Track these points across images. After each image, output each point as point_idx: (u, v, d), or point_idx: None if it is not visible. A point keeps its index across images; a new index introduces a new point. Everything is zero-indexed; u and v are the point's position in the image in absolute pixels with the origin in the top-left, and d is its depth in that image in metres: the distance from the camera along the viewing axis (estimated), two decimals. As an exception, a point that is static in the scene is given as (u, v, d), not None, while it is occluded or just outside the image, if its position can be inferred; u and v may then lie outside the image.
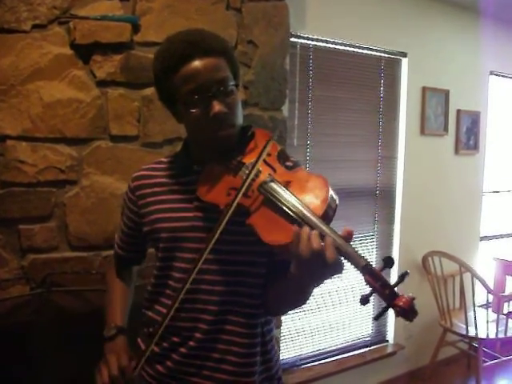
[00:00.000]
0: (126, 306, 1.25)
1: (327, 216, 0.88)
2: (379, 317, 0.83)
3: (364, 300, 0.82)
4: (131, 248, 1.27)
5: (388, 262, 0.81)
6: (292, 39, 2.51)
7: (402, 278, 0.81)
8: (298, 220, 0.87)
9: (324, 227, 0.84)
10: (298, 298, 1.03)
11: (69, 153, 1.83)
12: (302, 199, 0.90)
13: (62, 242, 1.85)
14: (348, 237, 0.84)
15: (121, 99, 1.90)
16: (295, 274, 0.87)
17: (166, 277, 1.10)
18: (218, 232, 0.95)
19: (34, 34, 1.74)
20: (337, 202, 0.92)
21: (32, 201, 1.78)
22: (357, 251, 0.82)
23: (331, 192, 0.91)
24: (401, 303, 0.78)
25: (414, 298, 0.79)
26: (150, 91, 1.93)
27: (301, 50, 2.68)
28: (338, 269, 0.83)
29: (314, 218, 0.86)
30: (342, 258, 0.83)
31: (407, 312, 0.78)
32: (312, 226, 0.85)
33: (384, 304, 0.81)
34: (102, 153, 1.89)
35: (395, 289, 0.80)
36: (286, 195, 0.92)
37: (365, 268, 0.80)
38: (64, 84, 1.80)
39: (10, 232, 1.76)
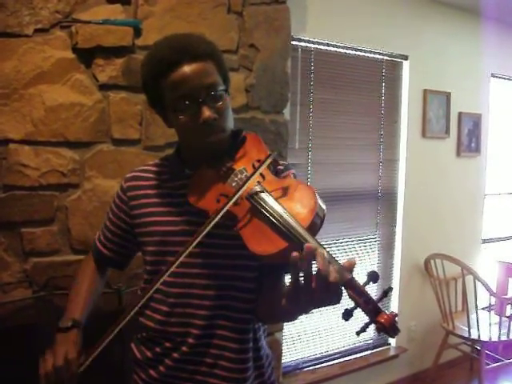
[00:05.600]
0: (89, 302, 1.19)
1: (314, 226, 0.87)
2: (361, 332, 0.81)
3: (347, 315, 0.79)
4: (116, 248, 1.22)
5: (372, 276, 0.79)
6: (293, 42, 2.52)
7: (385, 293, 0.80)
8: (284, 231, 0.86)
9: (309, 238, 0.83)
10: (290, 317, 1.05)
11: (71, 156, 1.84)
12: (290, 209, 0.90)
13: (65, 246, 1.85)
14: (349, 267, 0.80)
15: (123, 103, 1.91)
16: (293, 298, 0.84)
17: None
18: (199, 238, 0.94)
19: (36, 38, 1.75)
20: (325, 211, 0.91)
21: (34, 204, 1.78)
22: (341, 265, 0.80)
23: (319, 202, 0.90)
24: (382, 320, 0.77)
25: (396, 315, 0.78)
26: (151, 95, 1.94)
27: (302, 54, 2.69)
28: (336, 296, 0.80)
29: (300, 229, 0.85)
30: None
31: (388, 329, 0.78)
32: (298, 238, 0.84)
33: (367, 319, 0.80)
34: (104, 156, 1.89)
35: (378, 304, 0.79)
36: (273, 204, 0.92)
37: (348, 283, 0.79)
38: (66, 88, 1.81)
39: (13, 235, 1.77)
